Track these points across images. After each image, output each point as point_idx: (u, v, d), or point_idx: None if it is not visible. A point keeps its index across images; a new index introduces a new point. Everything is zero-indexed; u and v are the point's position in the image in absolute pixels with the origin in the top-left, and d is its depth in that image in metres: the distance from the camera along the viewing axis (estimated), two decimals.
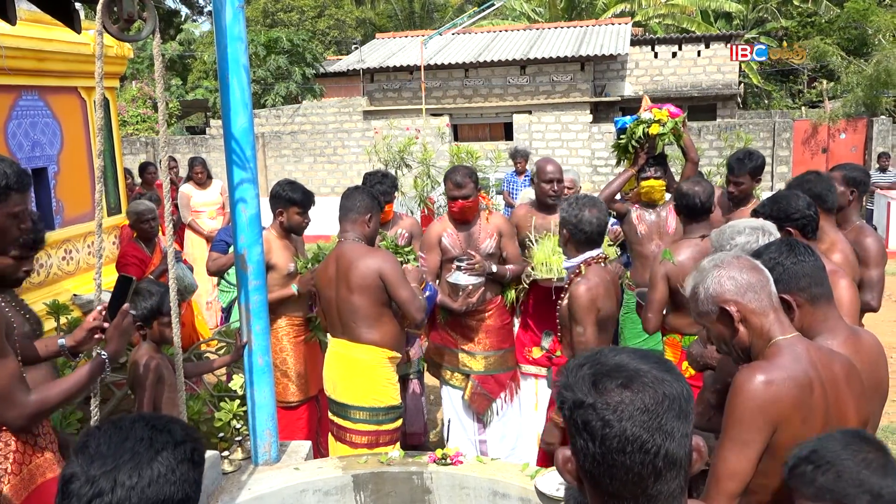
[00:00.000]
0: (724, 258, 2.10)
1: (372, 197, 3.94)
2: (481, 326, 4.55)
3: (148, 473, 1.23)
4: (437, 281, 4.49)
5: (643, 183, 4.87)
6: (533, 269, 4.42)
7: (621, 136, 5.02)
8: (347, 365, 3.86)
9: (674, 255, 3.80)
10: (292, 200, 4.37)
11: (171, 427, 1.31)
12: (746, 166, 4.49)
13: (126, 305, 2.52)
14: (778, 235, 2.92)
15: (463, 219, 4.48)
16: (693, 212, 3.92)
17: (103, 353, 2.46)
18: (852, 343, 2.25)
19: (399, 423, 3.97)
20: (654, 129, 4.80)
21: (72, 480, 1.23)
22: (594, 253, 3.47)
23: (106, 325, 2.52)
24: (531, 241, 4.58)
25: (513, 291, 4.74)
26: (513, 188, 9.74)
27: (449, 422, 4.77)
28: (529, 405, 4.81)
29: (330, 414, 3.99)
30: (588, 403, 1.18)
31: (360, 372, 3.83)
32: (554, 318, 4.08)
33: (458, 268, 4.33)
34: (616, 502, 1.20)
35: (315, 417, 4.64)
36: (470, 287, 4.34)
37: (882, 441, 1.72)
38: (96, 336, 2.53)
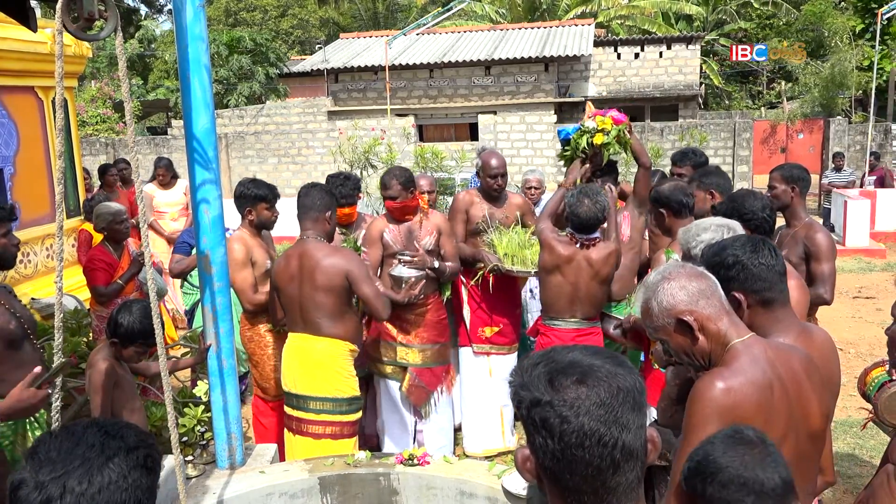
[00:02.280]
0: (669, 270, 2.09)
1: (329, 193, 4.02)
2: (420, 321, 4.68)
3: (98, 480, 1.20)
4: (379, 274, 4.63)
5: None
6: (501, 261, 4.74)
7: (566, 148, 4.90)
8: (308, 357, 3.92)
9: (674, 253, 3.83)
10: (259, 197, 4.41)
11: (124, 433, 1.29)
12: (690, 159, 4.64)
13: (37, 370, 2.47)
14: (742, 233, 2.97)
15: (397, 217, 4.64)
16: (682, 211, 3.97)
17: None
18: (804, 340, 2.28)
19: (359, 414, 4.05)
20: (599, 139, 4.64)
21: (21, 486, 1.20)
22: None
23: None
24: (484, 229, 4.90)
25: (449, 288, 4.98)
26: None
27: (416, 423, 4.81)
28: (483, 377, 5.07)
29: (288, 409, 4.03)
30: (545, 401, 1.19)
31: (321, 364, 3.90)
32: (505, 302, 5.03)
33: (400, 261, 4.48)
34: (577, 497, 1.21)
35: None
36: (412, 279, 4.46)
37: (759, 432, 1.76)
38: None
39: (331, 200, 3.99)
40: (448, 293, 5.00)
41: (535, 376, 1.22)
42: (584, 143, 4.65)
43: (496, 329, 5.04)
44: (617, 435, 1.17)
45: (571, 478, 1.19)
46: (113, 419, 1.35)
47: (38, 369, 2.47)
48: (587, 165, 4.73)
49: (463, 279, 5.02)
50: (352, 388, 3.96)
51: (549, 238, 4.23)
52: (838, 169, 14.31)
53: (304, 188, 4.04)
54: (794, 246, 4.00)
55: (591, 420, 1.16)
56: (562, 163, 5.03)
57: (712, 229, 3.00)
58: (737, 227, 3.03)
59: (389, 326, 4.64)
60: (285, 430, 4.08)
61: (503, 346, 5.08)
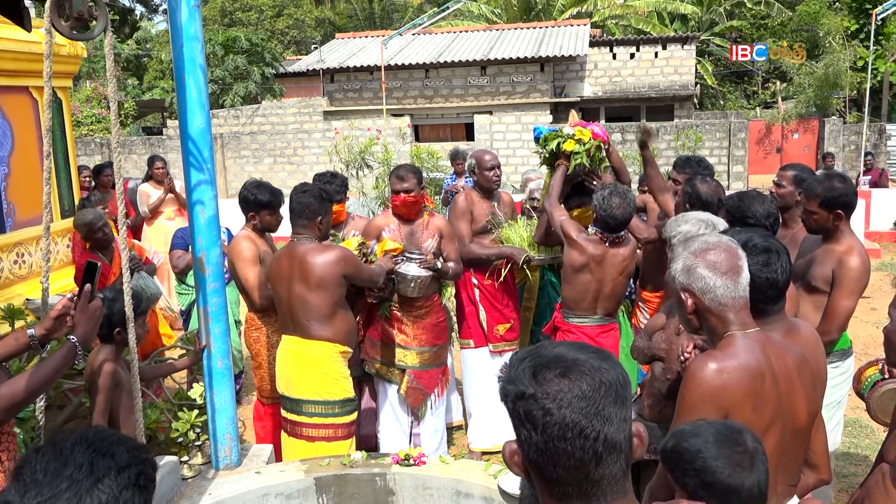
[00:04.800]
0: (711, 244, 2.11)
1: (319, 197, 3.94)
2: (420, 323, 4.66)
3: (87, 503, 1.17)
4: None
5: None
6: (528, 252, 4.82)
7: (537, 145, 4.82)
8: (299, 361, 3.91)
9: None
10: (262, 203, 4.38)
11: (114, 450, 1.24)
12: (690, 168, 4.48)
13: (88, 287, 2.44)
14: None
15: (405, 214, 4.60)
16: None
17: (72, 338, 2.37)
18: (791, 337, 2.31)
19: (354, 416, 4.02)
20: (569, 146, 4.47)
21: None
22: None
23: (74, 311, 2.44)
24: (493, 227, 4.95)
25: (450, 289, 4.99)
26: (454, 190, 9.73)
27: (411, 423, 4.81)
28: (497, 375, 4.96)
29: (283, 412, 4.03)
30: (529, 394, 1.21)
31: (313, 367, 3.88)
32: (514, 298, 5.12)
33: (410, 259, 4.42)
34: (562, 489, 1.23)
35: None
36: (420, 278, 4.44)
37: (750, 434, 1.79)
38: (67, 323, 2.44)
39: (321, 206, 3.92)
40: (448, 295, 4.98)
41: (521, 370, 1.25)
42: (552, 145, 4.54)
43: (508, 325, 5.08)
44: (599, 427, 1.19)
45: (555, 470, 1.22)
46: (104, 433, 1.29)
47: (87, 288, 2.43)
48: (558, 172, 4.57)
49: (475, 280, 5.01)
50: (344, 389, 3.93)
51: (577, 238, 4.21)
52: (828, 169, 14.37)
53: (295, 191, 4.00)
54: (791, 248, 3.97)
55: (573, 412, 1.18)
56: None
57: (691, 223, 3.14)
58: (719, 224, 3.12)
59: (388, 328, 4.63)
60: (282, 432, 4.08)
61: (513, 341, 5.13)
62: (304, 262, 3.81)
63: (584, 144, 4.47)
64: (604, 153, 4.62)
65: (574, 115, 4.88)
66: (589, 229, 4.29)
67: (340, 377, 3.93)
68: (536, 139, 4.71)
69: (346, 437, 3.95)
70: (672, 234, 3.20)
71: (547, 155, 4.62)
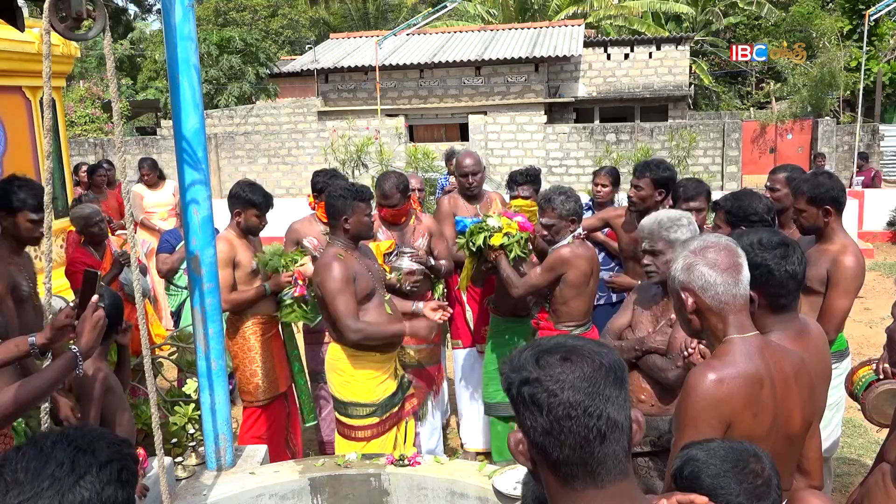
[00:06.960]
0: (709, 243, 2.09)
1: (341, 196, 3.75)
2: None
3: (70, 499, 1.17)
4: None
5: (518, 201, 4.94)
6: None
7: (460, 237, 4.55)
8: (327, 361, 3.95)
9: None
10: (251, 202, 4.34)
11: (95, 447, 1.24)
12: (650, 172, 4.38)
13: (95, 298, 2.43)
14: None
15: (391, 221, 4.66)
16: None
17: (74, 347, 2.35)
18: (802, 337, 2.32)
19: (367, 421, 3.86)
20: (496, 240, 4.27)
21: None
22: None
23: (76, 322, 2.43)
24: None
25: (441, 286, 5.02)
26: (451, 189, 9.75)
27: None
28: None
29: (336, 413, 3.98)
30: (533, 378, 1.28)
31: (328, 365, 3.91)
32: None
33: (402, 254, 4.48)
34: (568, 469, 1.28)
35: (284, 413, 4.70)
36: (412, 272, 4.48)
37: (768, 458, 1.77)
38: (69, 334, 2.44)
39: (339, 204, 3.74)
40: (440, 291, 5.01)
41: (524, 359, 1.31)
42: (480, 240, 4.30)
43: None
44: (601, 406, 1.25)
45: (561, 450, 1.27)
46: (85, 429, 1.27)
47: (94, 298, 2.42)
48: (503, 263, 4.31)
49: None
50: (352, 393, 3.80)
51: (576, 252, 4.01)
52: (818, 169, 14.42)
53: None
54: None
55: (577, 392, 1.25)
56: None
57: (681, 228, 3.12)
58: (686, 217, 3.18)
59: None
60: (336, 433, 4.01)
61: None
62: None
63: (513, 237, 4.31)
64: (531, 245, 4.49)
65: (498, 205, 4.71)
66: (568, 240, 4.08)
67: (352, 379, 3.81)
68: (461, 231, 4.49)
69: (362, 440, 3.80)
70: (665, 238, 3.17)
71: (473, 249, 4.39)
